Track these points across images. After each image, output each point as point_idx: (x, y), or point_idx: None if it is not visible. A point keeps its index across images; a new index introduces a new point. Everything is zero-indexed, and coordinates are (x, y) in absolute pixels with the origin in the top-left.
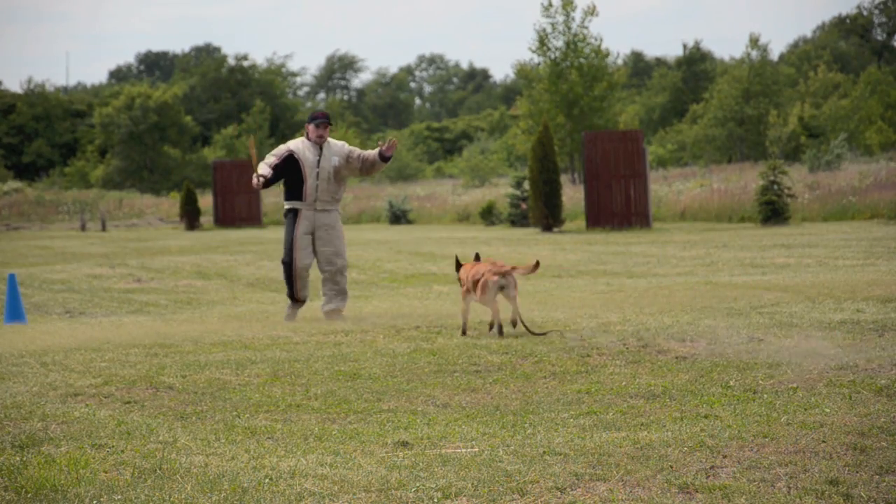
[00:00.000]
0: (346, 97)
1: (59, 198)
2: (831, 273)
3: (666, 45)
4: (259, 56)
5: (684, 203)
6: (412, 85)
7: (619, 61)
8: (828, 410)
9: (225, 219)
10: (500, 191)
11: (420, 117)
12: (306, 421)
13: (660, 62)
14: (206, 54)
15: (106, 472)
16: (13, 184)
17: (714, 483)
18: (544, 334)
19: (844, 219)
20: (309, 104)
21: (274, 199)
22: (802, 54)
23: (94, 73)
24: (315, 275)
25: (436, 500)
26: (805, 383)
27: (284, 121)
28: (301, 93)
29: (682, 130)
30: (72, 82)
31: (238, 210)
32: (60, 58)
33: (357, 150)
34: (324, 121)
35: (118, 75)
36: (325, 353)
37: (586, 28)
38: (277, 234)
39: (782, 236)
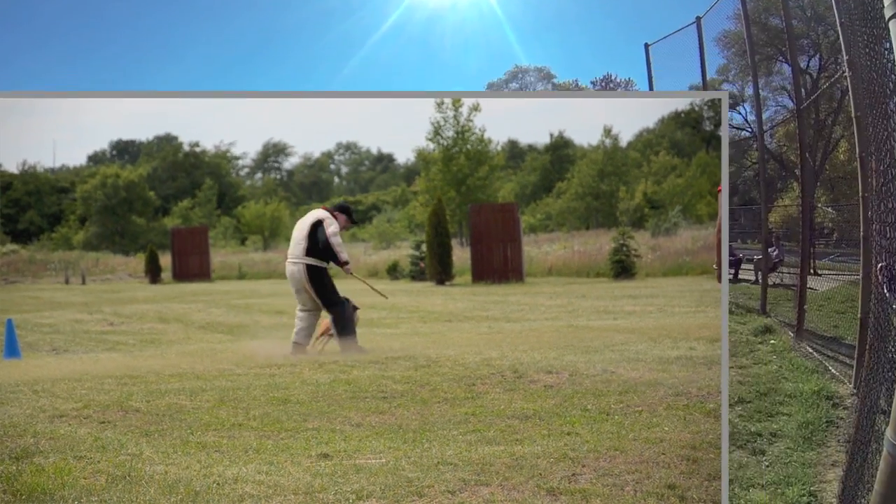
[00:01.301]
0: (278, 177)
1: (48, 258)
2: (669, 318)
3: (536, 135)
4: (208, 143)
5: (551, 262)
6: (332, 167)
7: (499, 148)
8: (667, 429)
9: (181, 274)
10: (403, 252)
11: (338, 193)
12: (246, 437)
13: (531, 148)
14: (166, 142)
15: (85, 479)
16: (10, 246)
17: (575, 487)
18: None
19: (680, 274)
20: (249, 182)
21: (221, 259)
22: (646, 141)
23: (76, 157)
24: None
25: (351, 502)
26: (649, 407)
27: (229, 195)
28: (242, 173)
29: (549, 203)
30: (57, 164)
31: (191, 267)
32: (48, 144)
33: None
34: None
35: (95, 159)
36: (261, 383)
37: (472, 121)
38: (224, 287)
39: (630, 288)
